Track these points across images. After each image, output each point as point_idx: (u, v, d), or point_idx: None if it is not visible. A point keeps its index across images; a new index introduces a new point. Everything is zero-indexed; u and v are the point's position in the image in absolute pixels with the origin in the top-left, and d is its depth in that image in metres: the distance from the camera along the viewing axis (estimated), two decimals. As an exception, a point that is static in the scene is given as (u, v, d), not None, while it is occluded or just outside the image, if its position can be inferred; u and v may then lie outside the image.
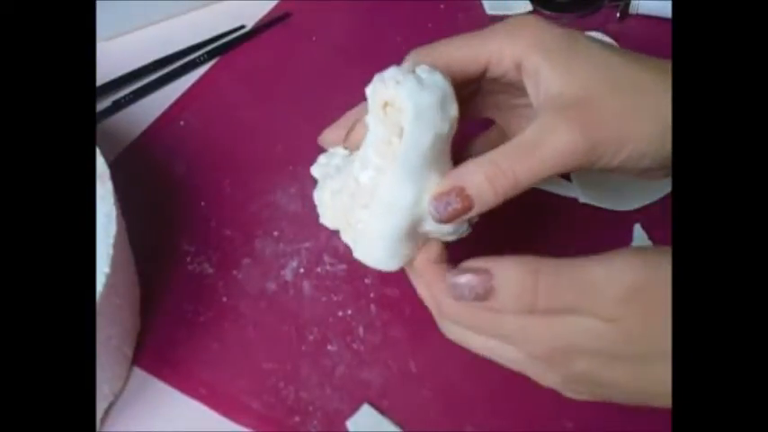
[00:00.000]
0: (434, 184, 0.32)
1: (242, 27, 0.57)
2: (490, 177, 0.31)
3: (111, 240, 0.35)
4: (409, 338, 0.40)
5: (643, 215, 0.45)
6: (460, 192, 0.32)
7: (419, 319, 0.41)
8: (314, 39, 0.56)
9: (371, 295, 0.41)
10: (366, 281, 0.42)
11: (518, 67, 0.34)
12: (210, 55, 0.55)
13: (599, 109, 0.32)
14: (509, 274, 0.30)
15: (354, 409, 0.37)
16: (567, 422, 0.37)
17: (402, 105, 0.31)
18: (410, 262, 0.34)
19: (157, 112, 0.51)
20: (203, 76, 0.54)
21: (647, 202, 0.45)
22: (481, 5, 0.58)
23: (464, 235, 0.35)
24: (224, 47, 0.55)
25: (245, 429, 0.37)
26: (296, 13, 0.58)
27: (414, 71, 0.32)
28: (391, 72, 0.32)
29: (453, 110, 0.32)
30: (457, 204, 0.32)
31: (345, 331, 0.40)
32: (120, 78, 0.53)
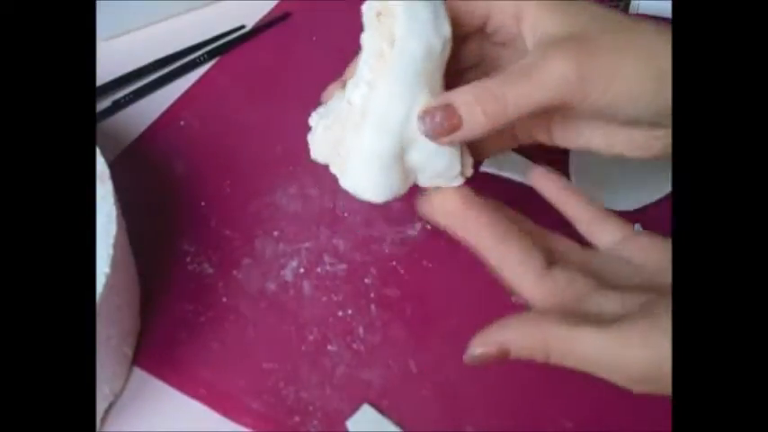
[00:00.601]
0: (422, 100, 0.32)
1: (242, 27, 0.57)
2: (480, 98, 0.31)
3: (112, 240, 0.35)
4: (409, 338, 0.40)
5: (643, 215, 0.44)
6: (449, 108, 0.32)
7: (419, 319, 0.41)
8: (314, 39, 0.56)
9: (371, 295, 0.41)
10: (366, 281, 0.42)
11: (517, 18, 0.34)
12: (210, 55, 0.55)
13: (593, 43, 0.32)
14: None
15: (354, 408, 0.37)
16: (567, 422, 0.37)
17: (394, 11, 0.32)
18: (398, 197, 0.34)
19: (157, 112, 0.51)
20: (203, 76, 0.54)
21: (646, 202, 0.45)
22: (481, 5, 0.58)
23: (455, 183, 0.34)
24: (224, 47, 0.55)
25: (245, 429, 0.37)
26: (296, 13, 0.58)
27: None
28: None
29: (445, 28, 0.32)
30: (444, 121, 0.32)
31: (345, 331, 0.40)
32: (120, 78, 0.53)
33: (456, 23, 0.33)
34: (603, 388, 0.38)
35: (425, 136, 0.32)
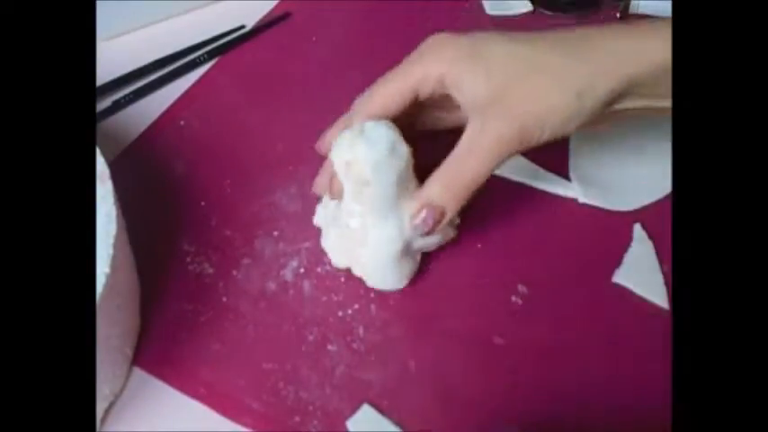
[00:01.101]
0: (409, 209, 0.38)
1: (242, 27, 0.57)
2: (446, 186, 0.38)
3: (112, 240, 0.35)
4: (409, 338, 0.40)
5: (643, 215, 0.44)
6: (429, 206, 0.38)
7: (419, 319, 0.41)
8: (314, 39, 0.56)
9: (371, 295, 0.41)
10: (366, 281, 0.42)
11: (441, 83, 0.39)
12: (210, 55, 0.55)
13: (517, 96, 0.37)
14: None
15: (354, 408, 0.37)
16: (569, 420, 0.37)
17: (361, 163, 0.37)
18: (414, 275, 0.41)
19: (157, 112, 0.51)
20: (203, 76, 0.54)
21: (646, 202, 0.45)
22: (481, 5, 0.58)
23: (450, 238, 0.41)
24: (224, 47, 0.55)
25: (245, 429, 0.37)
26: (296, 13, 0.58)
27: (362, 131, 0.38)
28: (344, 137, 0.38)
29: (404, 149, 0.38)
30: (432, 217, 0.38)
31: (345, 331, 0.40)
32: (120, 78, 0.53)
33: (396, 106, 0.39)
34: (604, 388, 0.38)
35: (424, 235, 0.39)
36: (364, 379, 0.38)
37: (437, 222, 0.38)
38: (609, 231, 0.44)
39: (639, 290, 0.41)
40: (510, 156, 0.37)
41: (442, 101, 0.40)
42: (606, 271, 0.42)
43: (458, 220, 0.41)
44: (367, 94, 0.41)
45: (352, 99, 0.45)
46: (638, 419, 0.37)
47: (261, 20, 0.57)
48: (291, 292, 0.42)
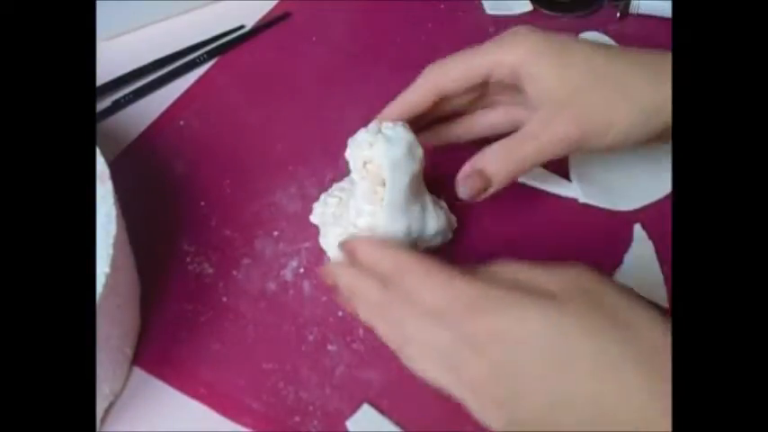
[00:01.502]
0: (417, 212, 0.39)
1: (242, 27, 0.57)
2: (503, 161, 0.39)
3: (111, 240, 0.35)
4: (409, 338, 0.40)
5: (643, 215, 0.44)
6: (481, 173, 0.39)
7: (419, 319, 0.41)
8: (314, 39, 0.56)
9: (371, 295, 0.41)
10: (366, 281, 0.42)
11: (514, 73, 0.39)
12: (210, 55, 0.55)
13: (587, 102, 0.38)
14: None
15: (354, 408, 0.37)
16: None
17: (379, 162, 0.37)
18: None
19: (157, 112, 0.51)
20: (203, 76, 0.54)
21: (646, 202, 0.45)
22: (481, 5, 0.58)
23: (448, 240, 0.42)
24: (224, 47, 0.55)
25: (245, 429, 0.37)
26: (296, 13, 0.58)
27: (380, 130, 0.38)
28: (363, 135, 0.38)
29: (419, 152, 0.38)
30: (479, 183, 0.39)
31: (345, 331, 0.40)
32: (120, 78, 0.53)
33: (466, 82, 0.40)
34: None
35: (463, 197, 0.40)
36: (364, 379, 0.38)
37: (481, 190, 0.39)
38: (609, 231, 0.44)
39: (639, 290, 0.41)
40: (564, 154, 0.40)
41: (502, 92, 0.42)
42: (606, 271, 0.42)
43: (456, 224, 0.43)
44: (439, 63, 0.41)
45: (351, 99, 0.45)
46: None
47: (261, 20, 0.57)
48: (291, 292, 0.42)
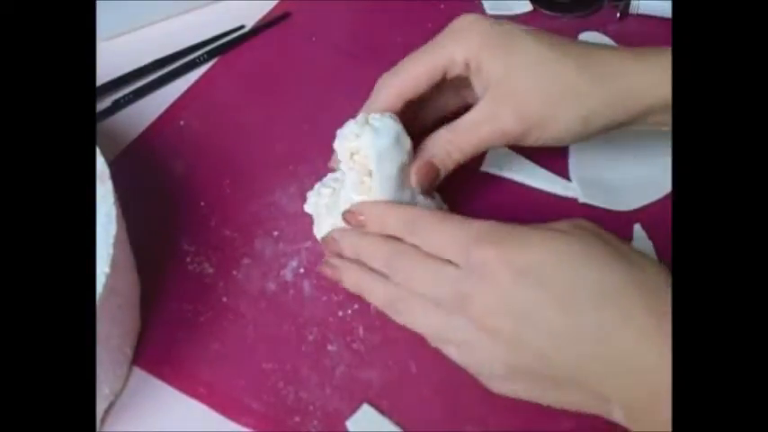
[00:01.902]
0: (407, 202, 0.39)
1: (242, 27, 0.57)
2: (447, 151, 0.40)
3: (111, 240, 0.35)
4: (409, 338, 0.40)
5: (643, 215, 0.44)
6: (430, 164, 0.40)
7: (419, 319, 0.41)
8: (314, 39, 0.56)
9: (371, 295, 0.41)
10: (366, 281, 0.42)
11: (467, 66, 0.40)
12: (210, 55, 0.55)
13: (529, 98, 0.39)
14: None
15: (354, 409, 0.37)
16: (567, 422, 0.37)
17: (366, 152, 0.38)
18: None
19: (157, 112, 0.51)
20: (203, 76, 0.54)
21: (646, 202, 0.45)
22: (481, 5, 0.58)
23: None
24: (224, 47, 0.55)
25: (245, 429, 0.37)
26: (296, 13, 0.58)
27: (367, 121, 0.38)
28: (350, 127, 0.39)
29: (407, 142, 0.39)
30: (431, 174, 0.40)
31: (345, 331, 0.40)
32: (120, 78, 0.53)
33: (423, 84, 0.41)
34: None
35: (419, 188, 0.40)
36: (364, 379, 0.38)
37: (433, 180, 0.40)
38: (609, 231, 0.44)
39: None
40: (504, 145, 0.41)
41: (463, 83, 0.42)
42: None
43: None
44: (393, 71, 0.42)
45: (351, 99, 0.45)
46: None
47: (261, 20, 0.57)
48: (291, 292, 0.42)
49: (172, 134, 0.50)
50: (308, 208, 0.43)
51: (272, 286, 0.42)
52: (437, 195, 0.43)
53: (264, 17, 0.58)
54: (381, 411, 0.37)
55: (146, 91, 0.53)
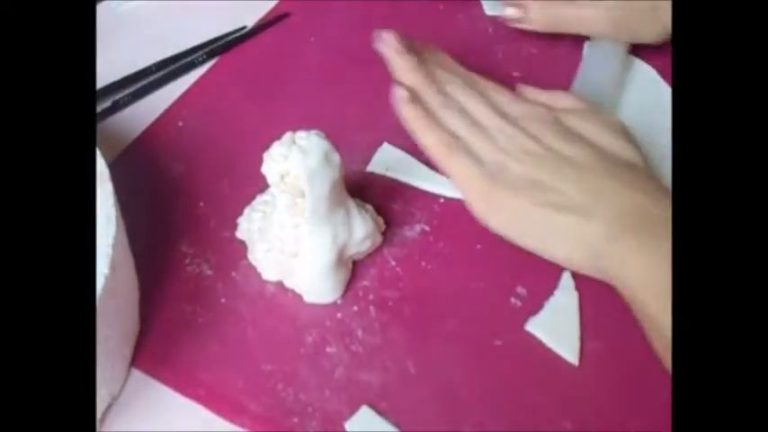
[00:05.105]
0: (342, 218, 0.40)
1: (242, 27, 0.57)
2: (544, 11, 0.53)
3: (111, 241, 0.35)
4: (408, 340, 0.40)
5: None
6: (524, 6, 0.53)
7: (418, 321, 0.41)
8: (313, 39, 0.56)
9: (370, 297, 0.41)
10: (365, 282, 0.42)
11: None
12: (210, 55, 0.55)
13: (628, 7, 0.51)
14: None
15: (353, 410, 0.37)
16: (567, 422, 0.37)
17: (296, 173, 0.37)
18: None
19: (157, 113, 0.51)
20: (203, 76, 0.54)
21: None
22: (481, 6, 0.58)
23: (377, 245, 0.43)
24: (224, 47, 0.55)
25: (244, 430, 0.37)
26: (296, 13, 0.58)
27: (294, 141, 0.38)
28: (277, 149, 0.38)
29: (336, 158, 0.38)
30: (518, 12, 0.53)
31: (344, 333, 0.40)
32: (120, 79, 0.53)
33: None
34: (602, 389, 0.38)
35: (506, 15, 0.53)
36: (363, 380, 0.38)
37: (515, 18, 0.52)
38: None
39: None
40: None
41: None
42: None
43: (384, 226, 0.43)
44: None
45: (351, 99, 0.45)
46: (641, 416, 0.37)
47: (261, 20, 0.57)
48: (290, 293, 0.42)
49: (172, 135, 0.50)
50: (239, 234, 0.43)
51: (271, 288, 0.42)
52: (370, 208, 0.43)
53: (264, 17, 0.58)
54: (380, 413, 0.37)
55: (145, 91, 0.52)
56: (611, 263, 0.37)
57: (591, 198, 0.38)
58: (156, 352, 0.40)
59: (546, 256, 0.40)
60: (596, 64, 0.52)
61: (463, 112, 0.43)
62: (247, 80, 0.53)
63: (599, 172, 0.39)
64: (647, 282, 0.35)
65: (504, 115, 0.42)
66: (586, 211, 0.38)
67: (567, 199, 0.38)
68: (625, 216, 0.37)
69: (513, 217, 0.40)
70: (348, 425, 0.37)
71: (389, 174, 0.47)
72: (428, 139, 0.42)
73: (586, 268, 0.39)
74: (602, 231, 0.37)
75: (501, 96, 0.44)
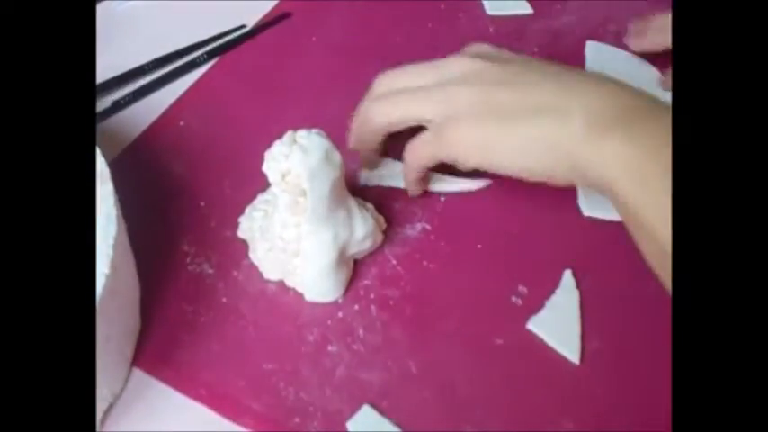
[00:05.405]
0: (343, 217, 0.40)
1: (242, 27, 0.57)
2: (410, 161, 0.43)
3: (111, 241, 0.35)
4: (409, 339, 0.40)
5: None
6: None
7: (419, 320, 0.41)
8: (314, 39, 0.56)
9: (371, 296, 0.41)
10: (366, 281, 0.42)
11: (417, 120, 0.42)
12: (210, 55, 0.55)
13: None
14: None
15: (354, 409, 0.37)
16: (567, 422, 0.37)
17: (297, 173, 0.37)
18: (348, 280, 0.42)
19: (157, 112, 0.51)
20: (203, 76, 0.54)
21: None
22: (481, 5, 0.58)
23: (378, 244, 0.43)
24: (224, 47, 0.55)
25: (245, 430, 0.37)
26: (296, 13, 0.58)
27: (295, 141, 0.38)
28: (278, 147, 0.38)
29: (337, 157, 0.38)
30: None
31: (345, 332, 0.40)
32: (120, 78, 0.53)
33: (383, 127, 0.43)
34: (603, 388, 0.38)
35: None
36: (364, 380, 0.38)
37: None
38: (609, 234, 0.44)
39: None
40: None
41: None
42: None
43: (384, 225, 0.43)
44: (371, 114, 0.43)
45: (351, 99, 0.45)
46: (641, 416, 0.37)
47: (261, 20, 0.57)
48: (291, 292, 0.42)
49: (172, 134, 0.50)
50: (240, 233, 0.43)
51: (272, 287, 0.42)
52: (371, 207, 0.43)
53: (264, 17, 0.58)
54: (382, 412, 0.37)
55: (146, 91, 0.52)
56: (596, 165, 0.34)
57: (560, 97, 0.35)
58: (157, 351, 0.40)
59: (528, 176, 0.38)
60: (599, 64, 0.52)
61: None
62: (248, 80, 0.53)
63: (559, 71, 0.37)
64: (639, 179, 0.32)
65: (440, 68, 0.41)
66: (558, 111, 0.35)
67: (534, 101, 0.36)
68: (603, 110, 0.34)
69: (485, 145, 0.38)
70: (350, 424, 0.37)
71: (384, 184, 0.47)
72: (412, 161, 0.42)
73: (571, 179, 0.37)
74: (580, 131, 0.34)
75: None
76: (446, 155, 0.40)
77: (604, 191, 0.34)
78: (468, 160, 0.39)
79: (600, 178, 0.34)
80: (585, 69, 0.53)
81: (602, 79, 0.36)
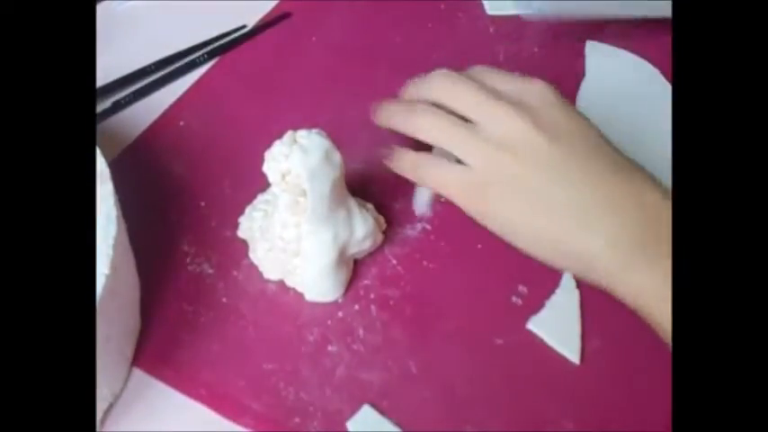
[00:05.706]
0: (343, 217, 0.40)
1: (242, 27, 0.57)
2: (415, 164, 0.41)
3: (111, 241, 0.35)
4: (409, 339, 0.40)
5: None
6: (396, 165, 0.41)
7: (419, 320, 0.41)
8: (314, 39, 0.56)
9: (371, 296, 0.41)
10: (366, 281, 0.42)
11: None
12: (210, 55, 0.55)
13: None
14: None
15: (354, 409, 0.37)
16: (567, 422, 0.37)
17: (297, 172, 0.37)
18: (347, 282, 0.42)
19: (157, 113, 0.51)
20: (203, 76, 0.54)
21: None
22: (481, 5, 0.58)
23: (378, 244, 0.43)
24: (224, 47, 0.55)
25: (245, 430, 0.37)
26: (296, 13, 0.58)
27: (295, 140, 0.38)
28: (278, 147, 0.38)
29: (337, 157, 0.38)
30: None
31: (345, 332, 0.40)
32: (121, 79, 0.53)
33: None
34: (603, 388, 0.38)
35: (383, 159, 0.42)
36: (364, 380, 0.38)
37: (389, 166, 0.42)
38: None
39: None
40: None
41: None
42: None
43: (384, 225, 0.43)
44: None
45: (351, 99, 0.45)
46: (641, 416, 0.37)
47: (261, 20, 0.57)
48: (292, 292, 0.42)
49: (172, 134, 0.50)
50: (241, 233, 0.43)
51: (272, 287, 0.42)
52: (371, 207, 0.43)
53: (264, 17, 0.58)
54: (382, 412, 0.37)
55: (146, 91, 0.52)
56: (626, 291, 0.35)
57: (588, 209, 0.36)
58: (157, 351, 0.40)
59: (542, 261, 0.38)
60: (599, 64, 0.52)
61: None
62: (248, 80, 0.53)
63: (592, 179, 0.36)
64: (659, 297, 0.33)
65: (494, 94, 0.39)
66: (583, 221, 0.36)
67: (567, 201, 0.36)
68: (626, 229, 0.35)
69: (507, 223, 0.38)
70: (350, 424, 0.37)
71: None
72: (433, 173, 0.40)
73: (584, 277, 0.37)
74: (602, 246, 0.35)
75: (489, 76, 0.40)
76: (471, 210, 0.39)
77: (629, 302, 0.35)
78: (488, 226, 0.39)
79: (633, 303, 0.35)
80: (585, 69, 0.53)
81: (630, 195, 0.36)
